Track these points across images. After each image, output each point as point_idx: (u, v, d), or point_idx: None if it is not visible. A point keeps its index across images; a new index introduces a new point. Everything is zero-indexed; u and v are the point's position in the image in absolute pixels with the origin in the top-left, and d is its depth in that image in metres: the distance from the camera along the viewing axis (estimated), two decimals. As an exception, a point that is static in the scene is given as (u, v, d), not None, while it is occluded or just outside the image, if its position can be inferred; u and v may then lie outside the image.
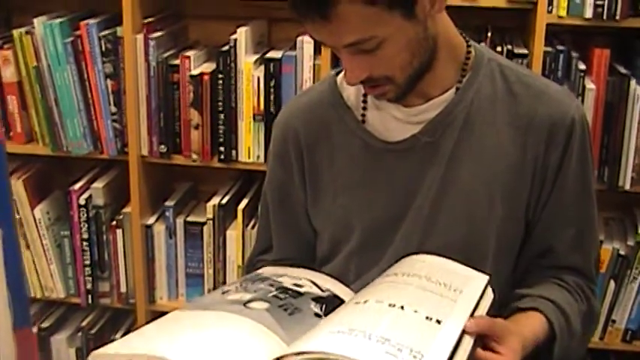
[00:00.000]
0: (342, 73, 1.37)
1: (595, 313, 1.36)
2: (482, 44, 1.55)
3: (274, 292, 1.18)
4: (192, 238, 2.31)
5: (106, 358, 1.05)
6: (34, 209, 2.28)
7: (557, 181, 1.27)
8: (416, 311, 1.03)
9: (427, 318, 1.02)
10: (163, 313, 2.30)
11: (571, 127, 1.25)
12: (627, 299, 2.11)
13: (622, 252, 2.08)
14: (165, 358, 0.98)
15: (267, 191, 1.46)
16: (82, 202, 2.27)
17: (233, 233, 2.26)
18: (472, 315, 1.07)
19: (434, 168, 1.27)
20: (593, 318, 1.37)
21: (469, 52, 1.29)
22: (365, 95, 1.32)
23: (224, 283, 2.30)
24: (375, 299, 1.06)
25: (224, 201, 2.26)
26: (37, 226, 2.29)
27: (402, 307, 1.03)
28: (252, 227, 2.25)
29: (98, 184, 2.30)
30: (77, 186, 2.28)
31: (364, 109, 1.32)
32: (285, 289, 1.20)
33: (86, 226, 2.29)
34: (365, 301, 1.06)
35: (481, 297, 1.13)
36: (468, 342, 1.03)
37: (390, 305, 1.04)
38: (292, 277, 1.28)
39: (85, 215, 2.28)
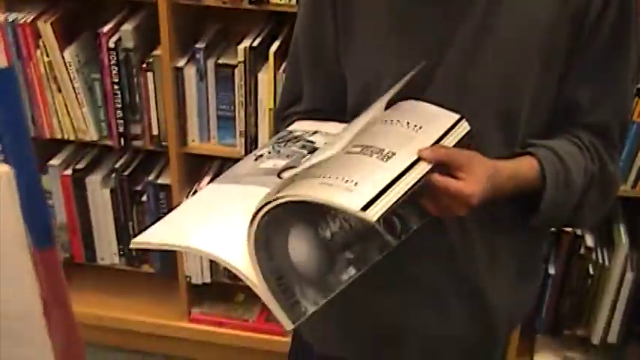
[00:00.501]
0: None
1: (609, 179, 1.31)
2: None
3: (307, 156, 1.17)
4: (223, 80, 2.29)
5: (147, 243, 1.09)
6: (63, 52, 2.26)
7: (591, 32, 1.22)
8: (371, 150, 1.06)
9: (380, 152, 1.05)
10: (196, 155, 2.35)
11: None
12: (663, 148, 2.09)
13: (662, 99, 2.04)
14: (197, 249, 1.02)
15: (297, 37, 1.42)
16: (111, 45, 2.24)
17: (264, 76, 2.23)
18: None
19: (470, 19, 1.22)
20: (607, 183, 1.31)
21: None
22: None
23: (255, 125, 2.30)
24: (343, 149, 1.09)
25: (255, 43, 2.22)
26: (67, 69, 2.27)
27: (357, 147, 1.07)
28: (284, 70, 2.21)
29: (127, 27, 2.25)
30: (106, 28, 2.24)
31: None
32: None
33: (116, 69, 2.27)
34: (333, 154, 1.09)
35: (448, 131, 1.13)
36: (422, 168, 1.04)
37: (348, 152, 1.07)
38: (324, 134, 1.28)
39: (115, 58, 2.25)
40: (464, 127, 1.14)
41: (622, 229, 2.27)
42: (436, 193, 1.09)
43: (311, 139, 1.24)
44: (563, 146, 1.26)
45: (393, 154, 1.05)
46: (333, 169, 1.02)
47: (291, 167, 1.14)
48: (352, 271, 1.08)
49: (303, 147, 1.21)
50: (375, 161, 1.04)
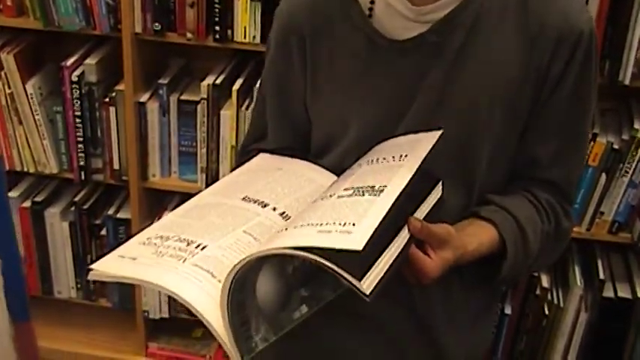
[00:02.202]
0: None
1: (563, 235, 1.36)
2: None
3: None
4: (185, 116, 2.30)
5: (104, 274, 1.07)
6: (25, 84, 2.26)
7: (553, 93, 1.25)
8: (359, 190, 1.07)
9: (371, 188, 1.07)
10: (156, 190, 2.35)
11: (577, 41, 1.22)
12: (617, 192, 2.13)
13: (616, 145, 2.09)
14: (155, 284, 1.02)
15: (265, 79, 1.44)
16: (74, 78, 2.24)
17: (227, 113, 2.24)
18: (417, 207, 1.10)
19: (437, 68, 1.25)
20: (560, 239, 1.36)
21: None
22: None
23: (217, 162, 2.31)
24: (328, 193, 1.11)
25: (218, 81, 2.23)
26: (29, 101, 2.27)
27: (348, 190, 1.08)
28: (247, 108, 2.23)
29: (91, 60, 2.26)
30: (69, 62, 2.24)
31: (372, 2, 1.29)
32: None
33: (79, 102, 2.27)
34: (321, 198, 1.11)
35: (428, 194, 1.15)
36: (404, 236, 1.05)
37: (335, 196, 1.09)
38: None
39: (78, 92, 2.25)
40: (438, 192, 1.17)
41: (577, 270, 2.30)
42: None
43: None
44: (522, 209, 1.29)
45: (385, 186, 1.07)
46: (327, 214, 1.03)
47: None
48: (304, 309, 1.09)
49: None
50: (368, 199, 1.05)
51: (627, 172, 2.10)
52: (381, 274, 0.96)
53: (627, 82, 2.00)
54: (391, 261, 1.00)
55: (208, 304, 1.00)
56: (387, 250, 1.00)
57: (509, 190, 1.32)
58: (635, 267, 2.33)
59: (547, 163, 1.30)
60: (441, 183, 1.18)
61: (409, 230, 1.06)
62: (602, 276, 2.24)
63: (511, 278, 1.30)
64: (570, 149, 1.32)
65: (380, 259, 0.98)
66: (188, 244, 1.08)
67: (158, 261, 1.06)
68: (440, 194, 1.17)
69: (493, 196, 1.30)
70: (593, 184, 2.12)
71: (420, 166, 1.12)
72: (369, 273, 0.94)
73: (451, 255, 1.14)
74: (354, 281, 0.92)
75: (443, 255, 1.12)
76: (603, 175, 2.11)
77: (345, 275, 0.92)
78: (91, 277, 1.08)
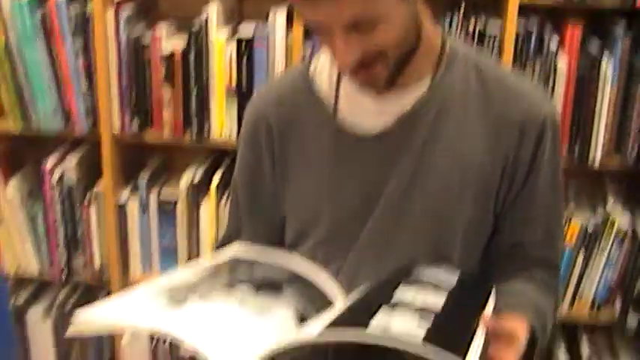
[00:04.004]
0: (314, 62, 1.37)
1: (558, 305, 1.42)
2: (456, 37, 1.54)
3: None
4: (165, 213, 2.31)
5: (87, 325, 1.07)
6: (6, 185, 2.28)
7: (527, 181, 1.29)
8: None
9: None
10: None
11: (542, 128, 1.26)
12: (595, 272, 2.15)
13: (590, 226, 2.11)
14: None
15: (237, 177, 1.46)
16: (54, 180, 2.26)
17: (206, 209, 2.26)
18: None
19: (404, 161, 1.28)
20: (557, 309, 1.42)
21: (443, 46, 1.29)
22: (337, 87, 1.32)
23: (198, 256, 2.31)
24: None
25: (196, 179, 2.26)
26: (9, 203, 2.28)
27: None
28: (225, 203, 2.25)
29: (70, 162, 2.28)
30: (49, 164, 2.27)
31: (336, 101, 1.32)
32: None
33: (59, 203, 2.28)
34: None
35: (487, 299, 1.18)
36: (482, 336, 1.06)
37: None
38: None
39: (58, 193, 2.27)
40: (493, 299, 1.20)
41: (561, 352, 2.30)
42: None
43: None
44: (537, 296, 1.32)
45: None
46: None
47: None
48: None
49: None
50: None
51: (604, 250, 2.13)
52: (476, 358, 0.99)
53: (597, 164, 2.05)
54: (480, 350, 1.02)
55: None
56: (475, 339, 1.03)
57: (510, 275, 1.35)
58: (620, 345, 2.34)
59: (535, 246, 1.34)
60: (494, 290, 1.21)
61: (485, 325, 1.07)
62: (586, 356, 2.24)
63: None
64: (553, 229, 1.35)
65: (472, 345, 1.00)
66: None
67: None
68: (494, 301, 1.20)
69: (501, 286, 1.30)
70: (571, 265, 2.15)
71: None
72: (467, 356, 0.96)
73: (518, 351, 1.13)
74: None
75: (513, 352, 1.11)
76: (580, 255, 2.14)
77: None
78: (71, 331, 1.07)
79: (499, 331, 1.10)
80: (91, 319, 1.07)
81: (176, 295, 1.14)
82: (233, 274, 1.26)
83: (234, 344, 1.04)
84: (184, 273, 1.26)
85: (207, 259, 1.35)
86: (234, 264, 1.34)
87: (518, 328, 1.17)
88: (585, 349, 2.27)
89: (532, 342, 1.24)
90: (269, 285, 1.24)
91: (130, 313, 1.08)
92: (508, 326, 1.13)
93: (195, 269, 1.28)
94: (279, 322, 1.13)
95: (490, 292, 1.22)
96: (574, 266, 2.15)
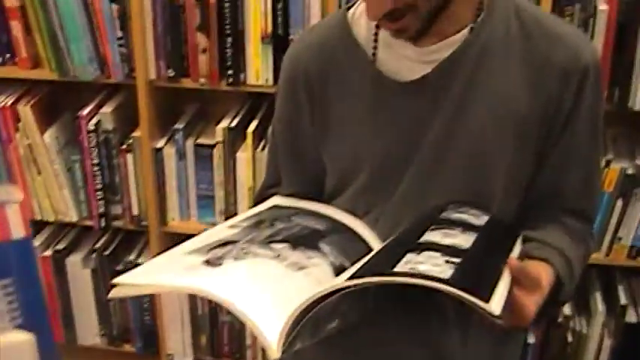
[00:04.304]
0: (353, 9, 1.35)
1: (590, 254, 1.41)
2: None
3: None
4: (202, 160, 2.32)
5: (128, 288, 1.09)
6: (43, 134, 2.29)
7: (567, 126, 1.27)
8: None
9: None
10: (176, 234, 2.37)
11: (584, 74, 1.24)
12: (633, 217, 2.13)
13: (629, 171, 2.09)
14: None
15: (275, 127, 1.46)
16: (91, 127, 2.27)
17: (243, 155, 2.27)
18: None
19: (444, 108, 1.27)
20: (588, 258, 1.40)
21: None
22: (376, 34, 1.31)
23: (235, 204, 2.33)
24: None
25: (233, 124, 2.26)
26: (47, 151, 2.30)
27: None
28: (262, 150, 2.26)
29: (106, 109, 2.29)
30: (85, 111, 2.27)
31: (375, 47, 1.31)
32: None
33: (96, 150, 2.30)
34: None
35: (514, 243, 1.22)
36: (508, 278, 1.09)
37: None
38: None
39: (95, 140, 2.29)
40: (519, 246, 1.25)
41: (598, 296, 2.30)
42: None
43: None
44: (565, 244, 1.31)
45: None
46: None
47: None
48: (334, 324, 1.12)
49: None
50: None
51: (643, 197, 2.11)
52: (504, 294, 1.02)
53: (637, 107, 2.02)
54: (506, 292, 1.05)
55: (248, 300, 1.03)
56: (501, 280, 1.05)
57: (542, 224, 1.34)
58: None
59: (572, 193, 1.33)
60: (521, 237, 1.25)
61: (510, 268, 1.09)
62: (623, 301, 2.23)
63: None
64: (591, 178, 1.35)
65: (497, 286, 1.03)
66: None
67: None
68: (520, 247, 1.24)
69: (529, 232, 1.32)
70: (609, 210, 2.13)
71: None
72: (493, 296, 0.99)
73: (540, 297, 1.15)
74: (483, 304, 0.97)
75: (535, 298, 1.13)
76: (619, 201, 2.12)
77: (478, 302, 0.97)
78: (112, 294, 1.09)
79: (523, 276, 1.11)
80: (131, 281, 1.09)
81: (214, 254, 1.15)
82: (272, 229, 1.27)
83: (271, 301, 1.05)
84: (223, 229, 1.27)
85: (246, 213, 1.36)
86: (274, 213, 1.35)
87: (543, 274, 1.19)
88: (622, 294, 2.27)
89: (558, 289, 1.25)
90: (307, 238, 1.25)
91: (168, 275, 1.10)
92: (533, 272, 1.13)
93: (234, 224, 1.29)
94: (316, 277, 1.14)
95: (517, 237, 1.24)
96: (612, 211, 2.13)
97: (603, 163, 2.07)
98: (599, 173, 1.41)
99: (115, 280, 1.08)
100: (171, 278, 1.09)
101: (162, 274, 1.11)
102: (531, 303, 1.12)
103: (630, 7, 1.95)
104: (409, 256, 1.07)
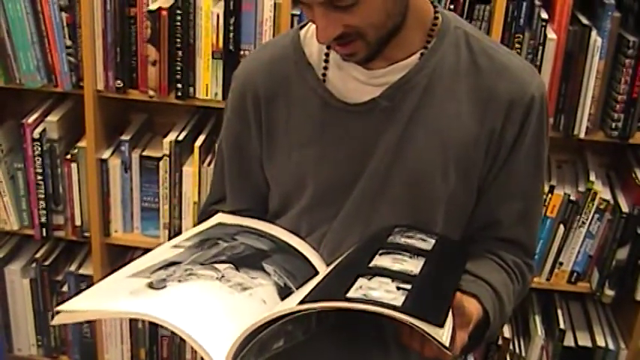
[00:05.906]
0: (306, 29, 1.35)
1: (527, 286, 1.40)
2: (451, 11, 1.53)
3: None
4: (147, 172, 2.30)
5: (72, 314, 1.08)
6: (-14, 140, 2.25)
7: (509, 157, 1.28)
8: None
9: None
10: (118, 246, 2.34)
11: (530, 105, 1.25)
12: (575, 243, 2.17)
13: (572, 197, 2.13)
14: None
15: (223, 142, 1.45)
16: (35, 135, 2.23)
17: (189, 169, 2.25)
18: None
19: (391, 132, 1.27)
20: (525, 290, 1.40)
21: (436, 19, 1.28)
22: (327, 54, 1.31)
23: (179, 218, 2.31)
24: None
25: (180, 137, 2.24)
26: (-11, 158, 2.26)
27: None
28: (209, 164, 2.25)
29: (52, 117, 2.26)
30: (31, 119, 2.24)
31: (325, 67, 1.31)
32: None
33: (40, 159, 2.26)
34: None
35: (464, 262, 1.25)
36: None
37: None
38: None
39: (39, 149, 2.25)
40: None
41: (537, 319, 2.33)
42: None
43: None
44: (496, 276, 1.30)
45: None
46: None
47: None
48: (281, 342, 1.11)
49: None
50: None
51: (584, 223, 2.14)
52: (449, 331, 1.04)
53: (582, 135, 2.05)
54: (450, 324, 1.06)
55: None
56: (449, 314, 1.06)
57: (476, 254, 1.34)
58: (594, 316, 2.37)
59: (510, 224, 1.34)
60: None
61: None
62: (562, 325, 2.27)
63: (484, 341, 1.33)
64: (530, 208, 1.35)
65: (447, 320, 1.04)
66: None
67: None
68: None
69: (472, 265, 1.30)
70: (551, 235, 2.16)
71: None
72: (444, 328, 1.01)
73: (466, 334, 1.14)
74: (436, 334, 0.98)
75: (463, 335, 1.13)
76: (562, 227, 2.15)
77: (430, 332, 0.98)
78: (56, 321, 1.07)
79: (460, 313, 1.12)
80: (74, 308, 1.07)
81: (158, 276, 1.14)
82: (216, 248, 1.26)
83: (217, 323, 1.05)
84: (167, 249, 1.26)
85: (190, 231, 1.35)
86: (218, 232, 1.34)
87: (473, 311, 1.18)
88: (561, 319, 2.30)
89: (484, 327, 1.25)
90: (250, 259, 1.25)
91: (112, 300, 1.09)
92: (469, 309, 1.14)
93: (177, 244, 1.28)
94: (260, 297, 1.14)
95: (467, 254, 1.26)
96: (554, 237, 2.16)
97: (547, 189, 2.10)
98: (539, 207, 1.40)
99: (59, 308, 1.07)
100: (115, 304, 1.07)
101: (106, 300, 1.09)
102: (459, 339, 1.12)
103: (578, 36, 1.98)
104: (361, 281, 1.07)
